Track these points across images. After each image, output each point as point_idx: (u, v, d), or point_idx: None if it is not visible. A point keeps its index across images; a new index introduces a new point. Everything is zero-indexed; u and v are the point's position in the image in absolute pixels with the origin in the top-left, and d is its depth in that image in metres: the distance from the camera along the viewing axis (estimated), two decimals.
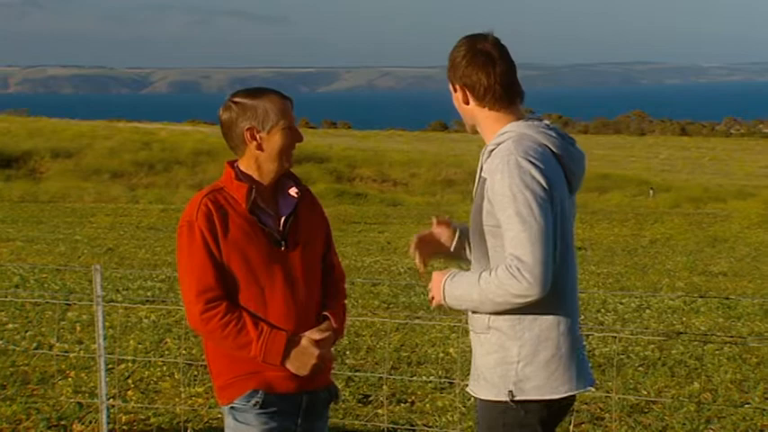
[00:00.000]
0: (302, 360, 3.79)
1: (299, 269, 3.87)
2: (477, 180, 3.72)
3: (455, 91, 3.74)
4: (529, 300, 3.50)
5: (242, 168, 3.87)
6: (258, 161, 3.85)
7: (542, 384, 3.62)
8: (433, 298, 3.79)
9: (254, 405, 3.79)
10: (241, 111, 3.83)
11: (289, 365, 3.79)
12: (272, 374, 3.79)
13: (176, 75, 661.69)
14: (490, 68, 3.65)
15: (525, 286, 3.47)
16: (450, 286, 3.68)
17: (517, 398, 3.61)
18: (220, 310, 3.72)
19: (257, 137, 3.82)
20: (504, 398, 3.63)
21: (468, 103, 3.72)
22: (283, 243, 3.84)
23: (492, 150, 3.66)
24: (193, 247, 3.75)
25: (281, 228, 3.86)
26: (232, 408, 3.83)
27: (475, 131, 3.81)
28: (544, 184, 3.52)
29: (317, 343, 3.82)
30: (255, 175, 3.86)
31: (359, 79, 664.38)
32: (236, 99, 3.86)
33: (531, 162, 3.53)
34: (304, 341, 3.80)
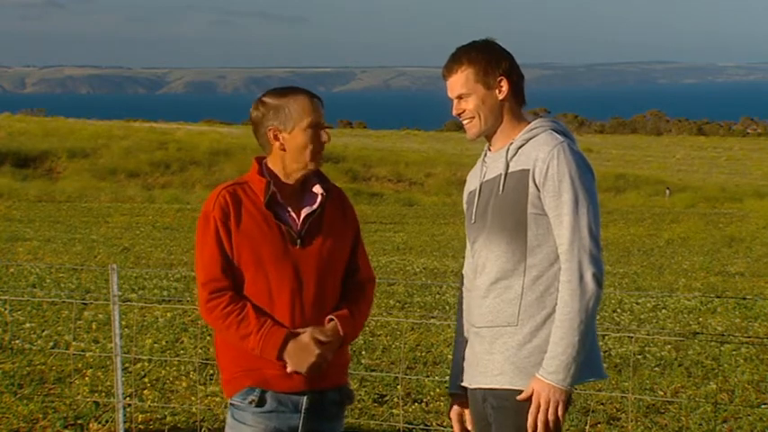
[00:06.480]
0: (300, 356, 3.72)
1: (313, 268, 3.81)
2: (503, 177, 3.74)
3: (489, 88, 3.76)
4: (603, 280, 3.66)
5: (269, 166, 3.86)
6: (283, 160, 3.84)
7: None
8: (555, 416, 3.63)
9: (250, 403, 3.77)
10: (266, 110, 3.84)
11: (287, 359, 3.72)
12: (270, 372, 3.75)
13: (192, 75, 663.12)
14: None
15: (599, 267, 3.62)
16: (558, 369, 3.59)
17: None
18: (224, 300, 3.73)
19: (280, 137, 3.82)
20: None
21: (506, 98, 3.77)
22: (299, 241, 3.81)
23: (521, 146, 3.73)
24: (206, 237, 3.77)
25: (299, 225, 3.83)
26: (231, 404, 3.84)
27: (484, 134, 3.82)
28: (593, 170, 3.74)
29: (318, 342, 3.73)
30: (281, 174, 3.84)
31: (374, 79, 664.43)
32: (264, 98, 3.86)
33: (580, 150, 3.72)
34: (305, 337, 3.73)
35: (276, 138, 3.82)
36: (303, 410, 3.81)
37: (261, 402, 3.77)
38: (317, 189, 3.88)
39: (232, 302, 3.74)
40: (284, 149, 3.82)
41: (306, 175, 3.86)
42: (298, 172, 3.84)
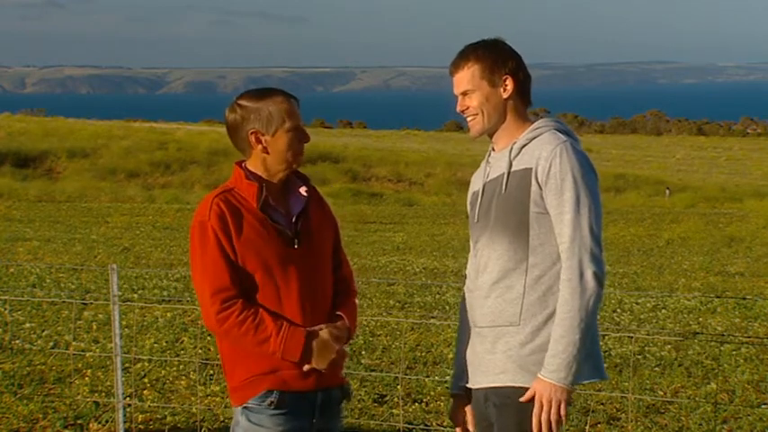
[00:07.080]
0: (322, 353, 3.77)
1: (313, 267, 3.86)
2: (505, 176, 3.74)
3: (494, 86, 3.77)
4: (604, 279, 3.65)
5: (251, 169, 3.86)
6: (265, 163, 3.84)
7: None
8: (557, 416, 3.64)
9: (269, 405, 3.77)
10: (245, 113, 3.82)
11: (309, 359, 3.76)
12: (287, 373, 3.77)
13: (192, 75, 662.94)
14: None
15: (599, 266, 3.62)
16: (559, 367, 3.59)
17: None
18: (236, 308, 3.71)
19: (262, 140, 3.81)
20: None
21: (510, 97, 3.78)
22: (296, 241, 3.83)
23: (524, 145, 3.74)
24: (207, 247, 3.74)
25: (292, 226, 3.85)
26: (245, 408, 3.80)
27: (486, 132, 3.82)
28: (596, 170, 3.75)
29: (335, 338, 3.80)
30: (264, 176, 3.85)
31: (374, 79, 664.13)
32: (241, 101, 3.84)
33: (583, 150, 3.72)
34: (324, 334, 3.78)
35: (258, 141, 3.81)
36: (317, 409, 3.86)
37: (280, 404, 3.78)
38: (303, 190, 3.91)
39: (245, 309, 3.72)
40: (267, 152, 3.82)
41: (288, 175, 3.88)
42: (281, 173, 3.86)
